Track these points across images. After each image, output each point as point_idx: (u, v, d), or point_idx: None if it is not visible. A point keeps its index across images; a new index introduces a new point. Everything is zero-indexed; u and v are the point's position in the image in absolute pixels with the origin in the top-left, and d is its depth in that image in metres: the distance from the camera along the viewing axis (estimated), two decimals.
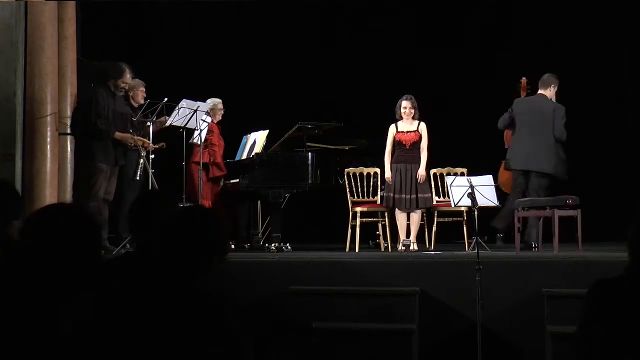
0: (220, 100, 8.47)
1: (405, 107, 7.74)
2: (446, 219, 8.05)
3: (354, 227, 7.99)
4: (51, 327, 2.13)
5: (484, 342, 5.57)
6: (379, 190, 8.12)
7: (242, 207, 8.85)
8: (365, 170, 8.17)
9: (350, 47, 9.95)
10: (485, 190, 7.08)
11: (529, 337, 5.92)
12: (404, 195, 7.64)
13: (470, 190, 6.66)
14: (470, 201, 6.56)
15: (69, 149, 7.68)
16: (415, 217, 7.68)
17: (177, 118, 7.77)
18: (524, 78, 8.18)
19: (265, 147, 8.44)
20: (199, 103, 7.90)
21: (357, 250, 7.88)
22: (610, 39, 9.41)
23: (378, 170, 8.06)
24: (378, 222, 8.24)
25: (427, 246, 7.91)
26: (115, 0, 9.09)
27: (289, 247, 8.02)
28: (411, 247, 7.53)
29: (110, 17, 9.68)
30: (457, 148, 9.06)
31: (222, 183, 8.42)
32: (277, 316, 6.01)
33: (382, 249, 8.10)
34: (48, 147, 7.34)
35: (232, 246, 8.13)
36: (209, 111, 8.20)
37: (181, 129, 7.91)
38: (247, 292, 5.94)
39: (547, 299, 5.88)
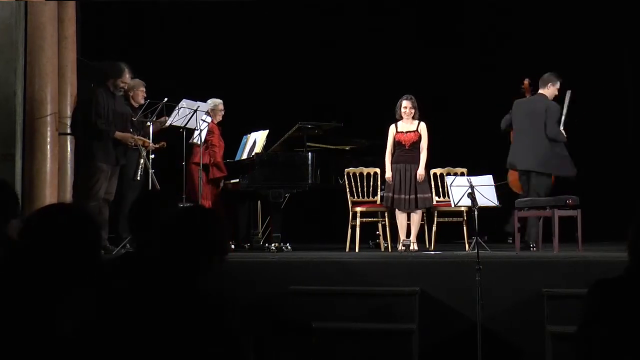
0: (220, 101, 8.47)
1: (405, 107, 7.74)
2: (446, 219, 8.05)
3: (354, 227, 7.99)
4: (51, 327, 2.13)
5: (484, 342, 5.56)
6: (379, 190, 8.12)
7: (242, 207, 8.85)
8: (365, 170, 8.17)
9: (350, 47, 9.95)
10: (485, 190, 7.08)
11: (529, 337, 5.91)
12: (403, 196, 7.64)
13: (470, 190, 6.65)
14: (470, 201, 6.56)
15: (69, 149, 7.68)
16: (416, 217, 7.68)
17: (177, 118, 7.77)
18: (527, 80, 8.14)
19: (265, 147, 8.44)
20: (199, 103, 7.89)
21: (357, 250, 7.88)
22: (610, 39, 9.42)
23: (378, 170, 8.06)
24: (378, 222, 8.24)
25: (427, 246, 7.91)
26: (115, 0, 9.09)
27: (289, 247, 8.02)
28: (411, 247, 7.53)
29: (110, 17, 9.68)
30: (457, 148, 9.06)
31: (222, 184, 8.42)
32: (277, 316, 6.01)
33: (382, 249, 8.10)
34: (48, 147, 7.34)
35: (232, 246, 8.13)
36: (209, 111, 8.20)
37: (181, 129, 7.91)
38: (247, 292, 5.93)
39: (547, 299, 5.87)
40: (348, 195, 8.13)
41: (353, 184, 8.15)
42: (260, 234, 8.90)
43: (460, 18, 9.92)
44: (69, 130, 7.63)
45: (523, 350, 5.99)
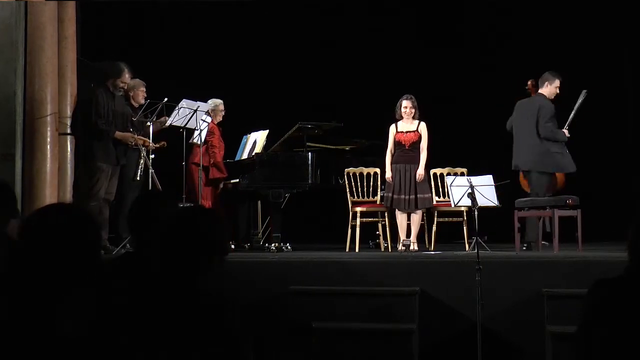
0: (221, 101, 8.48)
1: (405, 107, 7.74)
2: (446, 219, 8.05)
3: (354, 227, 7.99)
4: (51, 327, 2.12)
5: (484, 342, 5.56)
6: (379, 190, 8.12)
7: (242, 207, 8.85)
8: (365, 170, 8.17)
9: (350, 47, 9.95)
10: (485, 190, 7.08)
11: (529, 337, 5.91)
12: (402, 196, 7.64)
13: (470, 190, 6.65)
14: (470, 201, 6.56)
15: (69, 149, 7.69)
16: (416, 217, 7.68)
17: (177, 118, 7.77)
18: (530, 80, 8.10)
19: (265, 147, 8.44)
20: (199, 103, 7.90)
21: (357, 250, 7.88)
22: (610, 39, 9.41)
23: (378, 170, 8.06)
24: (378, 222, 8.24)
25: (427, 246, 7.91)
26: (115, 0, 9.09)
27: (289, 247, 8.02)
28: (411, 247, 7.53)
29: (110, 17, 9.68)
30: (457, 148, 9.06)
31: (222, 184, 8.41)
32: (277, 316, 6.01)
33: (382, 249, 8.10)
34: (48, 147, 7.34)
35: (232, 246, 8.13)
36: (209, 111, 8.20)
37: (181, 129, 7.91)
38: (247, 292, 5.93)
39: (547, 299, 5.87)
40: (348, 195, 8.13)
41: (353, 184, 8.15)
42: (260, 234, 8.90)
43: (460, 18, 9.92)
44: (69, 130, 7.63)
45: (523, 350, 5.99)
